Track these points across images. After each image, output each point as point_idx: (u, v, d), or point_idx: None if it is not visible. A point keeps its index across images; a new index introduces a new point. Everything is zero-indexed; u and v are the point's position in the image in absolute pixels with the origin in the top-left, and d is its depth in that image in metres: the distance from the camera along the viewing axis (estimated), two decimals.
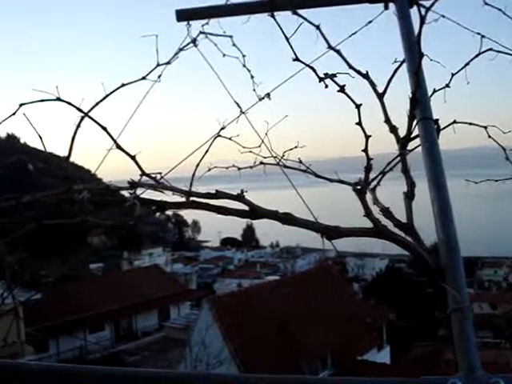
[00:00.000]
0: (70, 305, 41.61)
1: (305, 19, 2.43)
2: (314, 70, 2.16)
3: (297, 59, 2.21)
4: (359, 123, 2.15)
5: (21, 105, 2.03)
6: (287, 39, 2.21)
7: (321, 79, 2.11)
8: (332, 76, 2.10)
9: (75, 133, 2.12)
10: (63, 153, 2.21)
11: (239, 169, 2.75)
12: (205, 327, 25.96)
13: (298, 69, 2.65)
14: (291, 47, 2.21)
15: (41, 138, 2.00)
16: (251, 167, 2.72)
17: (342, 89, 2.12)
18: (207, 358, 23.83)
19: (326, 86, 2.12)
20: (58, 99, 2.04)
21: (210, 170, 2.61)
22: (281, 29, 2.23)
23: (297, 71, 2.48)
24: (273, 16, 2.30)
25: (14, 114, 2.04)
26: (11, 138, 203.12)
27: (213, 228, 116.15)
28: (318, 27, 2.43)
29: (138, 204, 1.96)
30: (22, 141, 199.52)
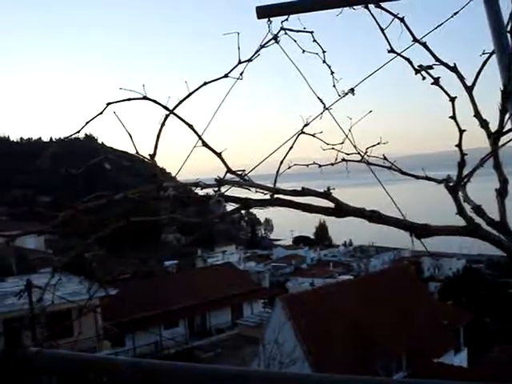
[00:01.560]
0: (146, 301, 42.58)
1: (388, 12, 2.37)
2: (410, 62, 2.09)
3: (392, 51, 2.16)
4: (453, 117, 2.07)
5: (108, 104, 2.05)
6: (382, 31, 2.16)
7: (417, 71, 2.05)
8: (428, 68, 2.04)
9: (160, 131, 2.14)
10: (143, 152, 2.23)
11: (320, 166, 2.71)
12: (278, 325, 25.98)
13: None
14: (386, 39, 2.16)
15: (130, 137, 2.03)
16: (332, 164, 2.67)
17: (436, 81, 2.05)
18: (280, 357, 23.84)
19: (424, 78, 2.05)
20: (145, 98, 2.06)
21: (290, 167, 2.58)
22: (376, 21, 2.18)
23: (385, 63, 2.42)
24: (367, 7, 2.25)
25: (101, 113, 2.07)
26: (89, 138, 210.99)
27: (285, 226, 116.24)
28: (402, 20, 2.36)
29: (223, 201, 1.95)
30: (99, 141, 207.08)
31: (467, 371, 29.65)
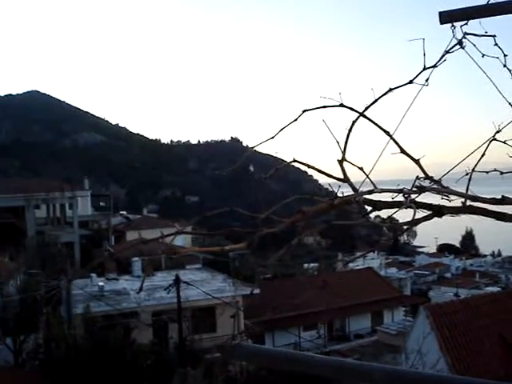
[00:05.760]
0: (286, 301, 43.07)
1: None
2: None
3: None
4: None
5: (304, 111, 2.12)
6: None
7: None
8: None
9: (348, 135, 2.19)
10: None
11: (502, 173, 2.63)
12: (421, 335, 25.26)
13: None
14: None
15: (338, 143, 2.09)
16: None
17: None
18: (423, 368, 23.20)
19: None
20: (342, 105, 2.11)
21: (467, 174, 2.53)
22: None
23: None
24: None
25: (296, 119, 2.15)
26: (234, 141, 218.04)
27: (429, 233, 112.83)
28: None
29: (414, 207, 1.96)
30: (244, 143, 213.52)
31: None
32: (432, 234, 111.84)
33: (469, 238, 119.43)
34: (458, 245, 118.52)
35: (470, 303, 32.75)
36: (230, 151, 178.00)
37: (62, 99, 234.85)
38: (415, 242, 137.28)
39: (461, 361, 26.60)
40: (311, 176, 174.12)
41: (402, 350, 26.72)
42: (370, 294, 49.05)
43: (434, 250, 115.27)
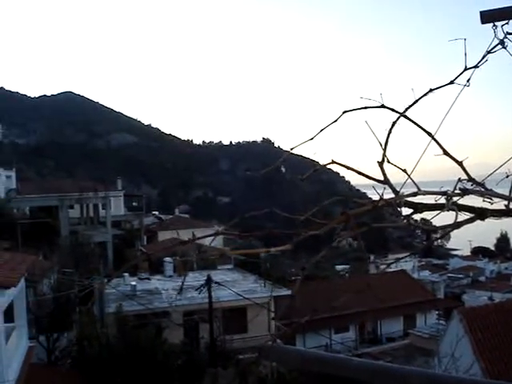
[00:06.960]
0: (317, 303, 42.84)
1: None
2: None
3: None
4: None
5: (344, 112, 2.10)
6: None
7: None
8: None
9: (388, 137, 2.16)
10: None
11: None
12: (455, 339, 24.93)
13: None
14: None
15: (381, 145, 2.07)
16: None
17: None
18: (456, 372, 22.89)
19: None
20: (383, 106, 2.08)
21: (508, 176, 2.49)
22: None
23: None
24: None
25: (335, 120, 2.12)
26: (266, 142, 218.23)
27: (463, 236, 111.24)
28: None
29: (456, 210, 1.93)
30: (275, 144, 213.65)
31: None
32: (466, 237, 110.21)
33: (504, 240, 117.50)
34: (492, 248, 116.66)
35: (505, 307, 32.22)
36: (262, 152, 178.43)
37: (95, 100, 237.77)
38: (449, 245, 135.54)
39: (495, 364, 26.22)
40: (343, 177, 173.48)
41: (435, 354, 26.41)
42: (402, 296, 48.60)
43: (467, 252, 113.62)
